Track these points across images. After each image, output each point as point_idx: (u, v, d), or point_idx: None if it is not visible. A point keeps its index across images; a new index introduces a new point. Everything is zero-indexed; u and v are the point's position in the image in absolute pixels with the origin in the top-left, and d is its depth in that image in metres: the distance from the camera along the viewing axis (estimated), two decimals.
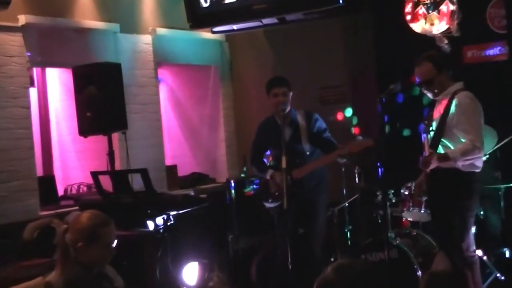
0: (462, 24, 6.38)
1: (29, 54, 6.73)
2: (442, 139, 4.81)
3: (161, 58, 8.25)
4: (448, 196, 4.82)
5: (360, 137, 5.45)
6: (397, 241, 5.59)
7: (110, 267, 3.36)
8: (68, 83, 7.29)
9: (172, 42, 8.33)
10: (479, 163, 4.81)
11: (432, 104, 5.17)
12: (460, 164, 4.70)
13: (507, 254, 5.87)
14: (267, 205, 5.73)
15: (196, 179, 8.55)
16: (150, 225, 5.31)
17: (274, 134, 5.65)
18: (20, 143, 6.58)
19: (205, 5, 7.59)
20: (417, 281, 5.29)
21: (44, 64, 7.33)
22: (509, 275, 5.55)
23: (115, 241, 3.25)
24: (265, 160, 6.06)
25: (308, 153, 5.66)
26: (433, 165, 4.71)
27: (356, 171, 6.18)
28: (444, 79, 4.94)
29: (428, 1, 6.53)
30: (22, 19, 6.64)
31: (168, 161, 8.61)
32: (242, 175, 7.96)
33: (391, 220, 5.76)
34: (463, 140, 4.71)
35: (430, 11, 6.40)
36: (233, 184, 7.08)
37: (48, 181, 7.30)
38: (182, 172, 8.58)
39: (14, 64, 6.59)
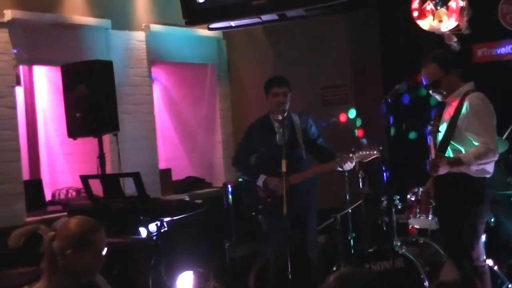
0: (472, 21, 6.37)
1: (15, 51, 6.72)
2: (452, 142, 4.80)
3: (155, 56, 8.25)
4: (457, 202, 4.81)
5: (364, 140, 5.48)
6: (403, 250, 5.59)
7: (100, 276, 3.35)
8: (56, 81, 7.29)
9: (167, 39, 8.33)
10: (490, 168, 4.80)
11: (440, 105, 5.16)
12: (473, 168, 4.69)
13: None
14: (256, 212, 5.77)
15: (191, 183, 8.54)
16: (143, 232, 5.31)
17: (269, 136, 5.66)
18: (6, 145, 6.57)
19: (201, 0, 7.59)
20: None
21: (31, 61, 7.33)
22: None
23: (106, 249, 3.24)
24: None
25: (305, 158, 5.73)
26: (443, 171, 4.70)
27: (359, 175, 6.18)
28: (452, 80, 4.93)
29: None
30: (8, 14, 6.64)
31: (162, 165, 8.62)
32: (240, 179, 7.95)
33: (396, 228, 5.75)
34: (475, 143, 4.70)
35: (438, 7, 6.39)
36: (230, 189, 7.08)
37: (35, 185, 7.30)
38: (176, 176, 8.57)
39: None
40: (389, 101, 4.94)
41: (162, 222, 5.32)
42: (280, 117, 5.64)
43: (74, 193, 7.47)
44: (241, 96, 8.97)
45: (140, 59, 7.98)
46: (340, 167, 5.58)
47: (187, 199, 7.74)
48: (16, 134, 6.73)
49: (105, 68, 6.56)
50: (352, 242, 6.22)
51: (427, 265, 5.54)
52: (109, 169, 6.88)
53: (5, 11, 6.63)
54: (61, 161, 7.91)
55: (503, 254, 5.78)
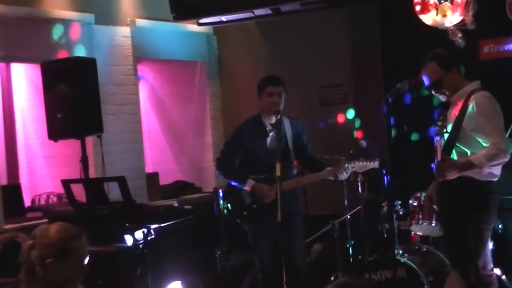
0: (478, 16, 6.38)
1: None
2: (457, 144, 4.81)
3: (141, 53, 8.25)
4: (462, 208, 4.81)
5: (363, 142, 5.49)
6: (405, 258, 5.59)
7: (83, 287, 3.34)
8: (36, 80, 7.27)
9: (154, 35, 8.32)
10: (497, 171, 4.81)
11: (445, 105, 5.17)
12: (486, 171, 4.70)
13: None
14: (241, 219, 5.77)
15: (180, 188, 8.54)
16: (128, 240, 5.29)
17: (259, 139, 5.65)
18: None
19: None
20: None
21: (9, 59, 7.32)
22: None
23: (88, 257, 3.23)
24: None
25: (294, 165, 5.80)
26: (453, 175, 4.70)
27: (359, 179, 6.18)
28: (455, 79, 4.94)
29: None
30: None
31: (149, 168, 8.61)
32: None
33: (398, 235, 5.76)
34: (484, 145, 4.70)
35: (442, 1, 6.40)
36: (221, 194, 7.06)
37: (13, 190, 7.28)
38: (164, 180, 8.56)
39: None
40: (390, 101, 4.95)
41: (149, 229, 5.30)
42: (273, 119, 5.62)
43: (55, 199, 7.46)
44: (233, 96, 8.97)
45: (125, 56, 7.96)
46: (334, 177, 5.59)
47: (176, 205, 7.75)
48: None
49: (88, 66, 6.54)
50: (351, 250, 6.23)
51: (430, 274, 5.53)
52: (92, 173, 6.86)
53: None
54: (41, 165, 7.89)
55: (511, 262, 5.78)
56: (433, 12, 6.45)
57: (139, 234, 5.29)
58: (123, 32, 7.97)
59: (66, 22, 7.35)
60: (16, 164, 7.89)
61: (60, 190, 6.56)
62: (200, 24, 8.33)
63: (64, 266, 3.13)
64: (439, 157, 4.88)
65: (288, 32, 8.32)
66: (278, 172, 5.15)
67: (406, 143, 7.25)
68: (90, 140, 7.01)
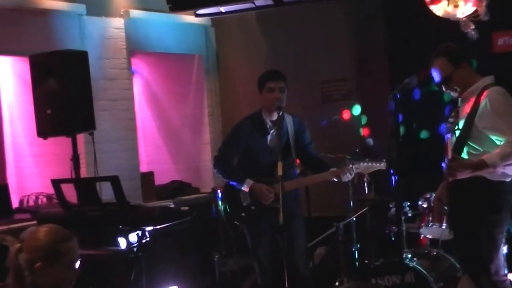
0: (492, 6, 6.36)
1: None
2: (469, 142, 4.80)
3: (135, 46, 8.25)
4: (473, 210, 4.81)
5: (370, 140, 5.48)
6: (414, 263, 5.59)
7: None
8: (24, 74, 7.26)
9: (148, 27, 8.32)
10: (511, 171, 4.80)
11: (456, 101, 5.15)
12: (499, 170, 4.68)
13: None
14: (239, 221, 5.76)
15: (176, 188, 8.53)
16: (122, 242, 5.30)
17: (260, 136, 5.64)
18: None
19: None
20: None
21: None
22: None
23: (79, 261, 3.22)
24: None
25: (296, 164, 5.82)
26: (465, 175, 4.69)
27: (365, 180, 6.18)
28: (466, 74, 4.93)
29: None
30: None
31: (144, 168, 8.62)
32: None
33: (406, 238, 5.76)
34: (498, 143, 4.69)
35: None
36: (220, 195, 7.04)
37: (0, 190, 7.26)
38: (160, 180, 8.56)
39: None
40: (398, 96, 4.93)
41: (143, 231, 5.30)
42: (275, 116, 5.61)
43: (44, 200, 7.44)
44: (232, 92, 8.97)
45: (118, 49, 7.96)
46: (337, 179, 5.58)
47: (172, 206, 7.75)
48: None
49: (79, 59, 6.54)
50: (356, 254, 6.22)
51: (440, 280, 5.54)
52: (84, 173, 6.87)
53: None
54: (30, 164, 7.88)
55: None
56: (444, 2, 6.42)
57: (133, 237, 5.30)
58: (116, 24, 7.96)
59: (56, 13, 7.34)
60: (3, 163, 7.87)
61: (50, 190, 6.55)
62: (197, 15, 8.33)
63: (54, 270, 3.12)
64: (450, 155, 4.87)
65: (289, 24, 8.32)
66: (279, 171, 5.15)
67: (415, 141, 7.25)
68: (81, 137, 7.00)
